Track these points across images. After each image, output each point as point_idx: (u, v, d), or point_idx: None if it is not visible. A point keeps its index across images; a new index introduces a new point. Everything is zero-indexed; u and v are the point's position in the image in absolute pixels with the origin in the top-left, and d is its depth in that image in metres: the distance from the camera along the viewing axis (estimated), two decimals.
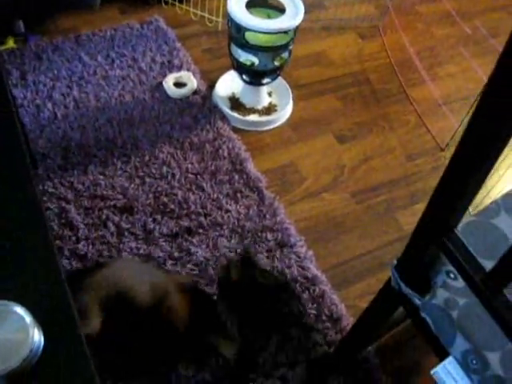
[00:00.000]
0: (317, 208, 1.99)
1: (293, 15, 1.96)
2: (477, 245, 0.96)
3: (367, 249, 1.90)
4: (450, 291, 1.09)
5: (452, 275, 1.09)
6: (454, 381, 1.07)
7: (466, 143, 0.80)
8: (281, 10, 2.00)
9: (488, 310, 0.91)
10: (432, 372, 1.13)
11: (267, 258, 1.80)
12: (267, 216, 1.91)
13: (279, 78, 2.24)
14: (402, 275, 1.12)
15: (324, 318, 1.70)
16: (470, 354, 1.03)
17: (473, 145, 0.79)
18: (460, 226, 1.18)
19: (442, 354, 1.12)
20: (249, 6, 1.97)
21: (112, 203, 1.88)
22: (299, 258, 1.82)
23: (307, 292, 1.75)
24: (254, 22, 1.91)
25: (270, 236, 1.85)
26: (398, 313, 1.61)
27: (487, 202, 1.43)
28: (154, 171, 1.98)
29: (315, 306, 1.72)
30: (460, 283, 1.07)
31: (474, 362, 1.02)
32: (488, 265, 0.90)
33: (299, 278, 1.77)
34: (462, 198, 0.87)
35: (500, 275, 0.86)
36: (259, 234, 1.85)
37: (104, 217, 1.84)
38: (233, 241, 1.82)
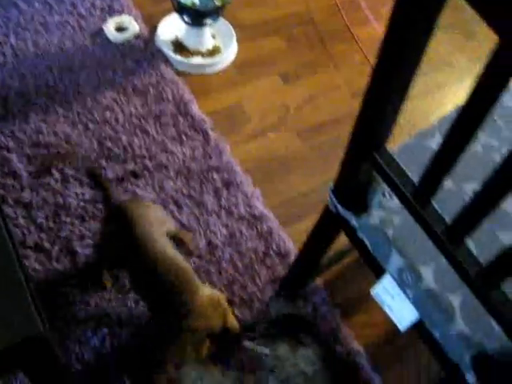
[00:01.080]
0: (263, 147, 1.99)
1: None
2: (410, 165, 0.97)
3: (312, 186, 1.91)
4: (386, 211, 1.11)
5: (387, 195, 1.12)
6: (391, 297, 1.11)
7: (384, 54, 0.82)
8: None
9: (418, 223, 0.94)
10: (371, 291, 1.16)
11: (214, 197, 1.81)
12: (213, 156, 1.90)
13: (222, 19, 2.20)
14: (338, 197, 1.14)
15: (272, 253, 1.72)
16: (404, 270, 1.06)
17: (389, 56, 0.80)
18: (396, 148, 1.20)
19: (381, 274, 1.15)
20: None
21: (55, 150, 1.85)
22: (246, 196, 1.83)
23: (255, 229, 1.77)
24: None
25: (216, 176, 1.85)
26: (344, 245, 1.65)
27: None
28: (97, 117, 1.95)
29: (263, 242, 1.74)
30: (395, 203, 1.10)
31: (409, 277, 1.06)
32: None
33: (247, 216, 1.78)
34: (384, 110, 0.88)
35: (427, 187, 0.88)
36: (205, 174, 1.85)
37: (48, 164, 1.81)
38: (179, 182, 1.82)
